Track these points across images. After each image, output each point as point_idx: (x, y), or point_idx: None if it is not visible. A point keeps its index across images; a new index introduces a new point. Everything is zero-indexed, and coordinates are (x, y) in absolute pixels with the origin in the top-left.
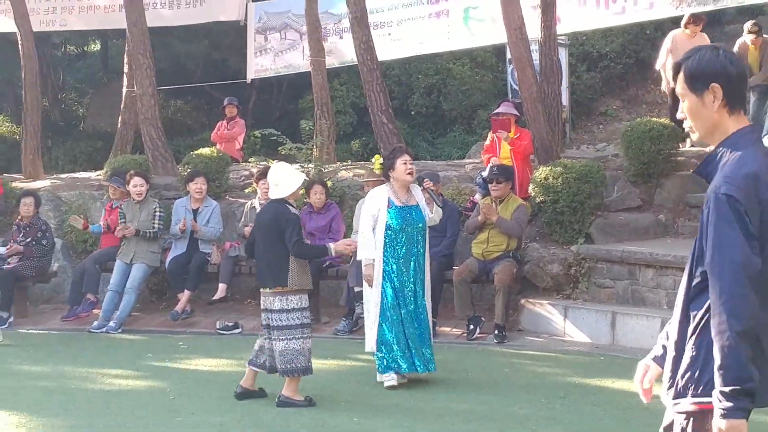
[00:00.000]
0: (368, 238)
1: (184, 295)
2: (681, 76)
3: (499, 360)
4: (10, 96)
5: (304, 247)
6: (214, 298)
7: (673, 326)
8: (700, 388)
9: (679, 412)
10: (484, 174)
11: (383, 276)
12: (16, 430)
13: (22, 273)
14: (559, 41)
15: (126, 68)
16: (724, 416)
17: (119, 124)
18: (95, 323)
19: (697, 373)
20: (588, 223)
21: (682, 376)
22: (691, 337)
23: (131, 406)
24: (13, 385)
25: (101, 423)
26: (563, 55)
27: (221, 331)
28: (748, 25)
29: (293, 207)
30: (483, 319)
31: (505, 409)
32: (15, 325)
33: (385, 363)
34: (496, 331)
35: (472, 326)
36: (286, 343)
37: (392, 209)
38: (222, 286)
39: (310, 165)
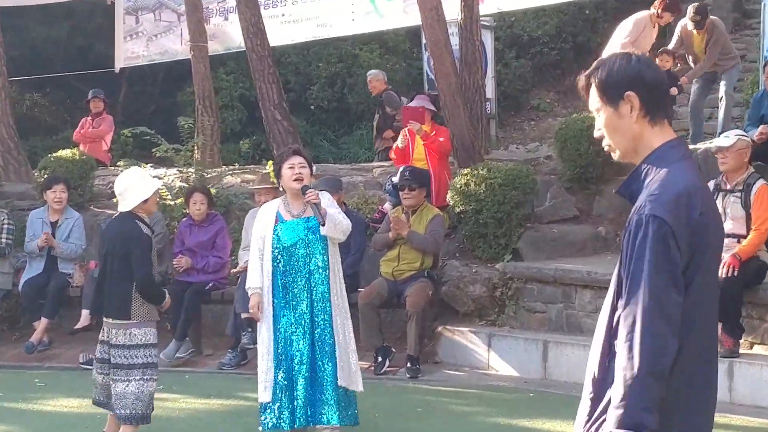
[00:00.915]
0: (255, 264)
1: (41, 324)
2: (593, 88)
3: (412, 398)
4: None
5: (151, 284)
6: (77, 326)
7: (591, 363)
8: None
9: None
10: (395, 179)
11: (274, 309)
12: None
13: None
14: (483, 23)
15: None
16: None
17: None
18: None
19: None
20: (516, 237)
21: (600, 414)
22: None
23: None
24: None
25: None
26: (488, 39)
27: (85, 366)
28: (690, 11)
29: (143, 224)
30: (393, 350)
31: None
32: None
33: (269, 420)
34: (409, 364)
35: (380, 358)
36: (126, 385)
37: (280, 224)
38: (85, 313)
39: (191, 169)
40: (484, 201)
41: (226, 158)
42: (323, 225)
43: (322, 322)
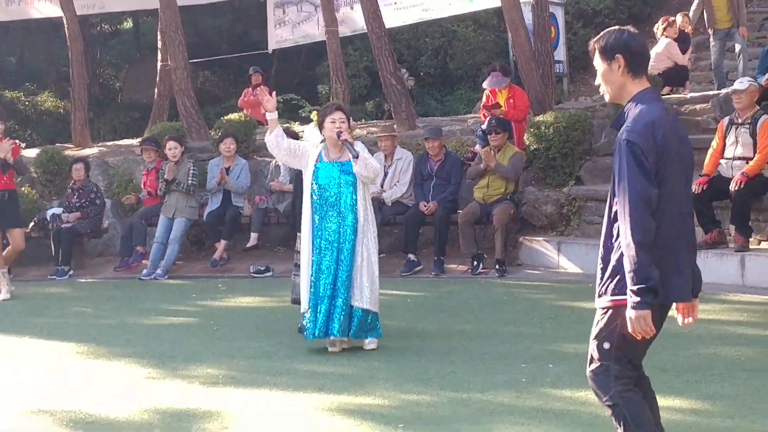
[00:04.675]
0: (278, 129)
1: (221, 245)
2: (596, 51)
3: (499, 290)
4: (53, 74)
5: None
6: (248, 246)
7: (601, 244)
8: (617, 288)
9: (599, 308)
10: (484, 126)
11: (312, 236)
12: (85, 358)
13: (79, 230)
14: (555, 1)
15: (160, 44)
16: (634, 308)
17: (156, 95)
18: (144, 271)
19: (617, 277)
20: (578, 167)
21: (606, 280)
22: (614, 251)
23: (182, 336)
24: (77, 323)
25: (157, 350)
26: (560, 13)
27: (255, 275)
28: None
29: None
30: (485, 256)
31: (502, 328)
32: (74, 277)
33: (306, 330)
34: (497, 266)
35: (476, 262)
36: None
37: (320, 164)
38: (254, 235)
39: None
40: (552, 140)
41: (356, 116)
42: (356, 158)
43: (345, 250)
